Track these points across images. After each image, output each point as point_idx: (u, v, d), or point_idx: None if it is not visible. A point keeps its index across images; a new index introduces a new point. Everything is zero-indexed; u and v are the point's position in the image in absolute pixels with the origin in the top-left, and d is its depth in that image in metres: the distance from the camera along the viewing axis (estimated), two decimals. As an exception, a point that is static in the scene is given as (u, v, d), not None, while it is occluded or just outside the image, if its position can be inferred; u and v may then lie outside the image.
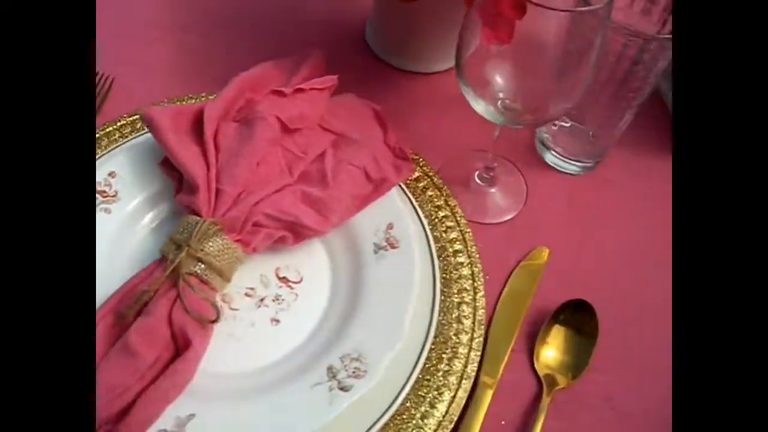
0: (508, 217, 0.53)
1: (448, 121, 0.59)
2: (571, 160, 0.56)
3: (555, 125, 0.54)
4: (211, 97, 0.50)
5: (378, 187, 0.47)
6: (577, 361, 0.46)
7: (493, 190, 0.55)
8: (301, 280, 0.46)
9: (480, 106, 0.45)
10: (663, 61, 0.47)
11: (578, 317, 0.47)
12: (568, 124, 0.54)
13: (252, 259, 0.46)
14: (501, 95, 0.46)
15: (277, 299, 0.45)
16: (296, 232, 0.45)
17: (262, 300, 0.45)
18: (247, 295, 0.46)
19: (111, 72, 0.59)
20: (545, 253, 0.51)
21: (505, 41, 0.43)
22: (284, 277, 0.46)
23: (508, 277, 0.50)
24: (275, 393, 0.40)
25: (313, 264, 0.47)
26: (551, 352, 0.46)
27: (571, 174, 0.57)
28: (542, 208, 0.54)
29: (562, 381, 0.45)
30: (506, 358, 0.46)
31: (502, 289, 0.49)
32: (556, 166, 0.57)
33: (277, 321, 0.45)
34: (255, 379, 0.42)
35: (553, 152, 0.56)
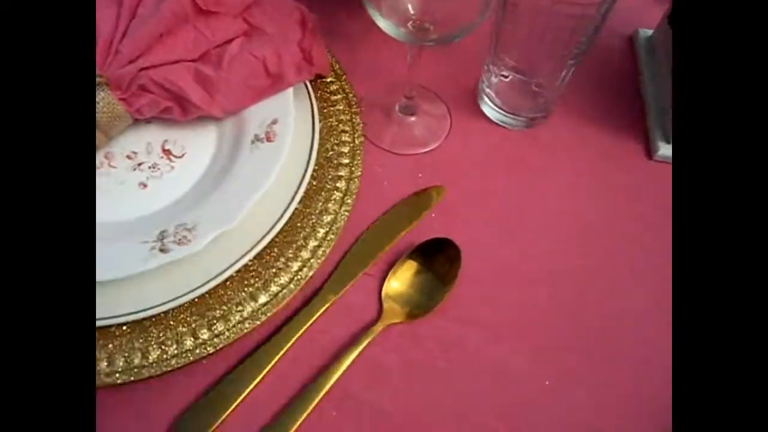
0: (419, 151, 0.52)
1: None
2: (509, 113, 0.53)
3: (497, 77, 0.52)
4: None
5: (275, 82, 0.47)
6: (424, 301, 0.44)
7: (412, 119, 0.53)
8: (182, 156, 0.48)
9: (386, 25, 0.44)
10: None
11: (440, 258, 0.45)
12: (509, 77, 0.51)
13: (145, 127, 0.49)
14: (412, 13, 0.45)
15: (154, 167, 0.47)
16: (183, 107, 0.47)
17: (139, 165, 0.47)
18: (128, 157, 0.47)
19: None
20: (442, 191, 0.49)
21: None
22: (168, 150, 0.48)
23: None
24: (108, 243, 0.42)
25: (200, 144, 0.48)
26: (398, 284, 0.45)
27: (505, 127, 0.54)
28: (460, 151, 0.52)
29: (399, 315, 0.44)
30: (355, 280, 0.45)
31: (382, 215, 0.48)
32: (495, 120, 0.54)
33: (145, 185, 0.46)
34: (99, 230, 0.43)
35: (492, 104, 0.53)
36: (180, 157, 0.48)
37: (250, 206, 0.42)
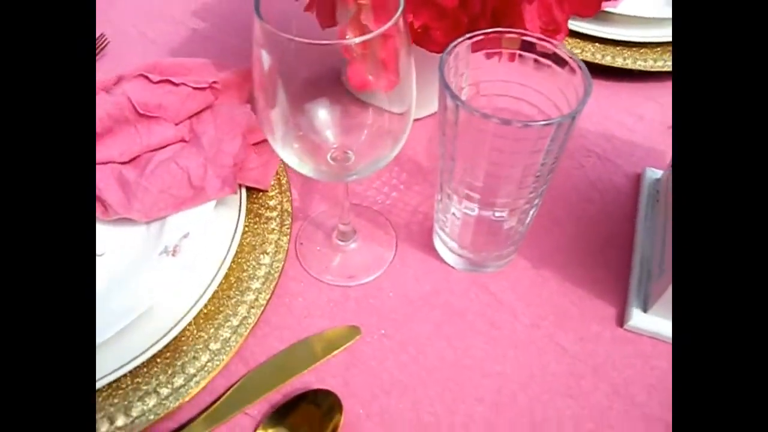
0: (349, 283, 0.48)
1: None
2: (460, 253, 0.48)
3: (447, 213, 0.46)
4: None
5: (197, 194, 0.46)
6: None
7: (352, 246, 0.50)
8: (101, 255, 0.47)
9: (303, 167, 0.40)
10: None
11: (316, 413, 0.41)
12: (461, 213, 0.46)
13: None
14: (333, 146, 0.42)
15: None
16: (105, 206, 0.46)
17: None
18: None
19: (110, 35, 0.66)
20: (356, 333, 0.45)
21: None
22: (90, 247, 0.48)
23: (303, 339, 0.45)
24: None
25: (123, 245, 0.47)
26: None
27: (454, 268, 0.49)
28: (395, 290, 0.48)
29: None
30: (231, 417, 0.41)
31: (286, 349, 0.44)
32: (445, 259, 0.49)
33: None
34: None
35: (444, 240, 0.48)
36: (99, 256, 0.47)
37: (121, 326, 0.40)
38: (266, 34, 0.33)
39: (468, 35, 0.39)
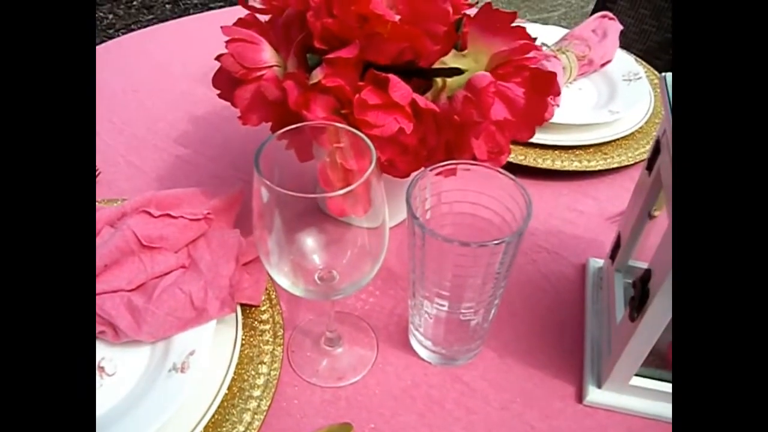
0: (339, 384, 0.53)
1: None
2: (434, 349, 0.54)
3: (421, 314, 0.53)
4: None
5: (199, 315, 0.52)
6: None
7: (339, 350, 0.56)
8: (113, 375, 0.52)
9: (294, 288, 0.47)
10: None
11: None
12: (432, 315, 0.52)
13: (90, 345, 0.54)
14: (318, 263, 0.49)
15: (86, 385, 0.52)
16: (115, 331, 0.52)
17: (75, 381, 0.52)
18: (67, 372, 0.52)
19: (100, 166, 0.73)
20: (349, 429, 0.50)
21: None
22: (102, 367, 0.52)
23: (300, 441, 0.50)
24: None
25: (132, 364, 0.52)
26: None
27: (430, 363, 0.55)
28: (379, 386, 0.53)
29: None
30: None
31: (286, 451, 0.50)
32: (421, 355, 0.55)
33: (73, 403, 0.50)
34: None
35: (419, 339, 0.55)
36: (110, 376, 0.52)
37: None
38: (265, 184, 0.40)
39: (429, 168, 0.47)
